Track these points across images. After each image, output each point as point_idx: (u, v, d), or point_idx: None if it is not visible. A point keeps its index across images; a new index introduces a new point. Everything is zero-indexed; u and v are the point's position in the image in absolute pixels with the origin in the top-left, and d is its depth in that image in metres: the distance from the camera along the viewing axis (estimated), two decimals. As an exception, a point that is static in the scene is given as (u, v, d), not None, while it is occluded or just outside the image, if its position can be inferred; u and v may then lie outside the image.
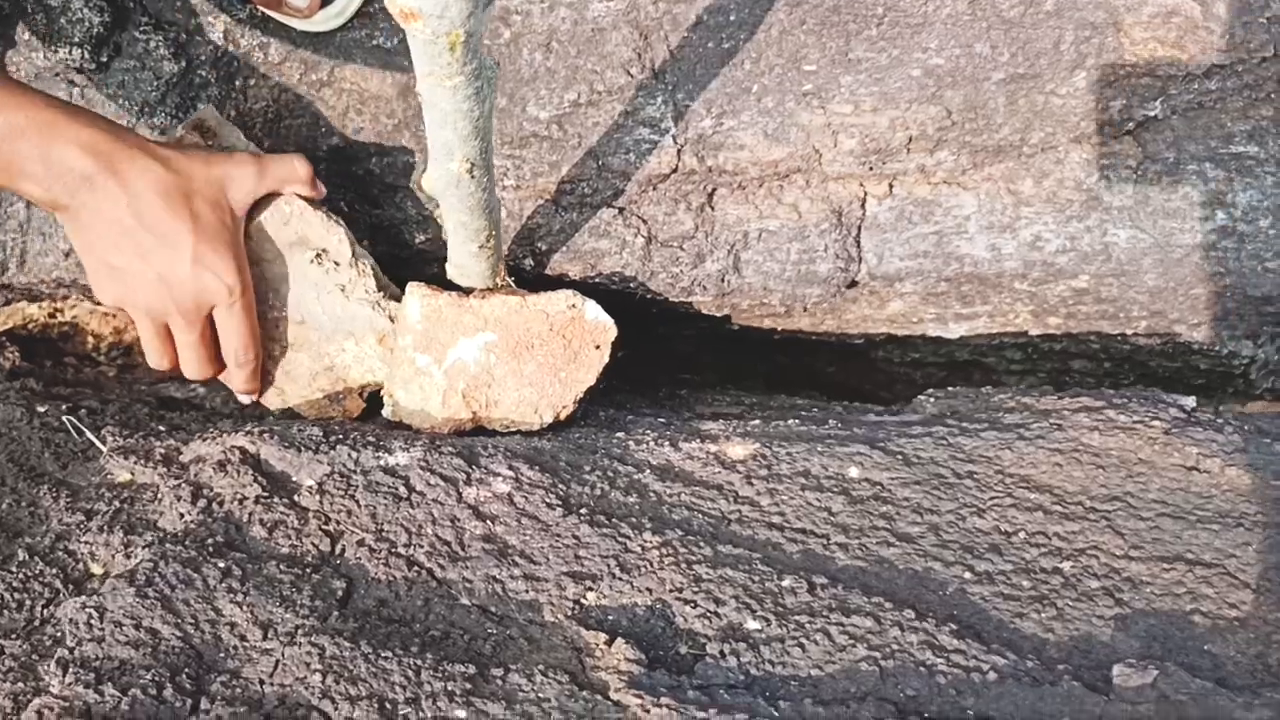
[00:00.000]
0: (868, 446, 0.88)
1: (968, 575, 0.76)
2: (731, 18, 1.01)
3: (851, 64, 1.00)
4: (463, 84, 0.69)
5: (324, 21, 1.04)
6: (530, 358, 0.92)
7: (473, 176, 0.80)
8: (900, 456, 0.87)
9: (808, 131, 1.01)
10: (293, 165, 0.95)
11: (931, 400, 1.01)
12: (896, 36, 0.99)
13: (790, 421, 0.96)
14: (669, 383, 1.34)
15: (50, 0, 1.04)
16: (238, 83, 1.09)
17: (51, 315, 1.46)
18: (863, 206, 1.07)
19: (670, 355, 1.42)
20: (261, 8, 1.04)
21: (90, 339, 1.46)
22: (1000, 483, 0.84)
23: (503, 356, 0.92)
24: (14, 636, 0.71)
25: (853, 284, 1.10)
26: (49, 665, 0.67)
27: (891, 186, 1.06)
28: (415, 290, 0.95)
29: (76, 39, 1.04)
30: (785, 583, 0.74)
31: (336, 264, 0.97)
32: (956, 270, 1.08)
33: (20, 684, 0.67)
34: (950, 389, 1.04)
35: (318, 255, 0.97)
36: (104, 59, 1.05)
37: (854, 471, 0.86)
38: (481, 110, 0.73)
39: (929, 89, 0.99)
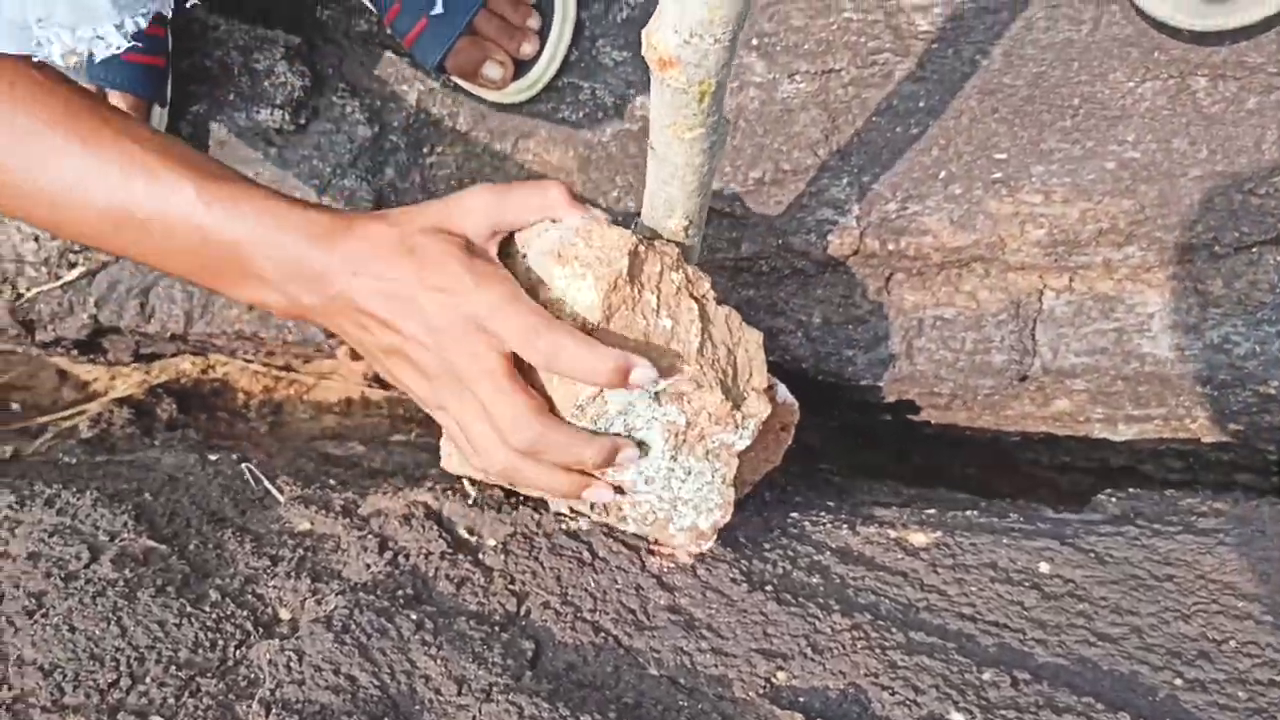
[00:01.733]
0: (1057, 542, 0.85)
1: (1178, 682, 0.72)
2: (921, 104, 1.01)
3: (1044, 154, 0.99)
4: (702, 136, 0.69)
5: (514, 94, 1.07)
6: None
7: (688, 235, 0.80)
8: (1093, 554, 0.84)
9: (995, 220, 1.00)
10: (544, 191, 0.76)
11: (1113, 500, 0.98)
12: (1092, 128, 0.98)
13: (968, 513, 0.93)
14: (818, 473, 1.32)
15: (256, 64, 1.08)
16: (425, 149, 1.12)
17: (204, 371, 1.50)
18: (1040, 299, 1.05)
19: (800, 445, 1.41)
20: (456, 79, 1.07)
21: (240, 395, 1.50)
22: (1203, 588, 0.80)
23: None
24: (210, 675, 0.71)
25: (1023, 378, 1.08)
26: (250, 705, 0.67)
27: (1071, 280, 1.04)
28: None
29: (278, 101, 1.08)
30: (986, 675, 0.71)
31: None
32: (1136, 369, 1.05)
33: (219, 722, 0.67)
34: (1131, 490, 1.00)
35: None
36: (302, 121, 1.09)
37: (1044, 567, 0.83)
38: (710, 166, 0.74)
39: (1123, 182, 0.98)
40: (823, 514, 0.92)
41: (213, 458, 1.10)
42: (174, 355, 1.43)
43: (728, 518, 0.80)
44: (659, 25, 0.64)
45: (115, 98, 1.01)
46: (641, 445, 0.74)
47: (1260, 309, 1.02)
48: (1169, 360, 1.04)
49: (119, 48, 0.66)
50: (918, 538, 0.87)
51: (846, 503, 1.04)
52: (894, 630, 0.76)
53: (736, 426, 0.76)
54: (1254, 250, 1.01)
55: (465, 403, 0.72)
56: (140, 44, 1.00)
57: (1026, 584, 0.81)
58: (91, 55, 0.71)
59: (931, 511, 0.95)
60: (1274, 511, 0.89)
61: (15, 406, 1.46)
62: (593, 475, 0.74)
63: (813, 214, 1.02)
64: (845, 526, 0.89)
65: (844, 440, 1.42)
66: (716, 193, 1.03)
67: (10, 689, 0.70)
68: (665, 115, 0.68)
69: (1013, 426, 1.17)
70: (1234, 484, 1.26)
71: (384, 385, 1.39)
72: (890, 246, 1.02)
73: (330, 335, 1.15)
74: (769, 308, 1.05)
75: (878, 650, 0.73)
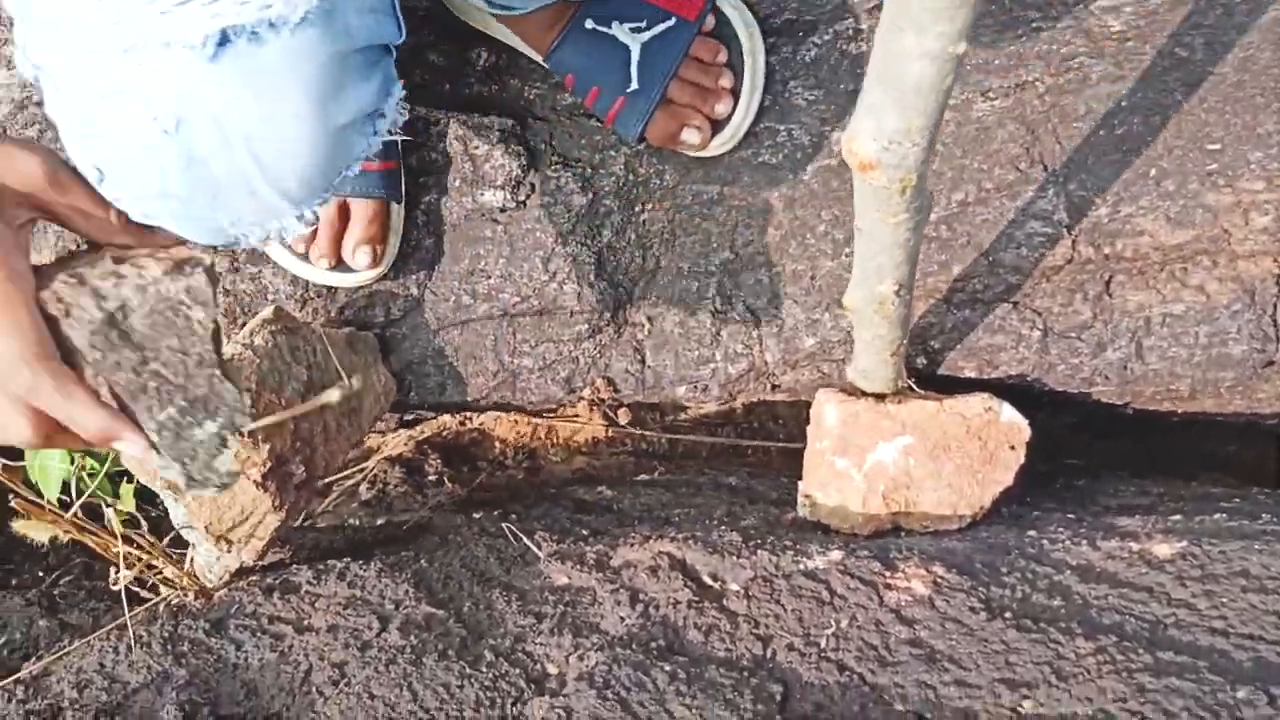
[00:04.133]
0: (1314, 543, 0.83)
1: None
2: (1124, 104, 0.99)
3: (1260, 139, 0.95)
4: (906, 220, 0.73)
5: (715, 149, 1.11)
6: (948, 459, 0.94)
7: (899, 296, 0.83)
8: (1355, 555, 0.81)
9: (1215, 212, 0.97)
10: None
11: (1377, 490, 0.93)
12: (1311, 106, 0.94)
13: (1216, 516, 0.91)
14: (1059, 474, 1.30)
15: (475, 150, 1.17)
16: (637, 208, 1.18)
17: (463, 423, 1.61)
18: (1278, 283, 1.01)
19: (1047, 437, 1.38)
20: (657, 146, 1.12)
21: (498, 444, 1.60)
22: None
23: (921, 459, 0.94)
24: (491, 733, 0.79)
25: (1269, 364, 1.04)
26: (528, 762, 0.74)
27: (1311, 261, 1.00)
28: (830, 396, 0.98)
29: (499, 183, 1.16)
30: (1240, 694, 0.71)
31: None
32: (1391, 345, 0.99)
33: (504, 778, 0.74)
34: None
35: None
36: (523, 198, 1.17)
37: (1301, 571, 0.81)
38: (916, 239, 0.77)
39: (1352, 157, 0.94)
40: (1061, 530, 0.92)
41: (476, 515, 1.20)
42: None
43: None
44: (857, 132, 0.67)
45: (358, 204, 1.12)
46: None
47: None
48: None
49: (303, 230, 0.73)
50: (1162, 549, 0.86)
51: (1088, 511, 1.03)
52: (1140, 651, 0.76)
53: None
54: None
55: None
56: (379, 155, 1.11)
57: (1282, 592, 0.80)
58: None
59: (1177, 518, 0.93)
60: None
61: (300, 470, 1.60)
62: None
63: (1020, 228, 1.02)
64: (1085, 542, 0.89)
65: (1085, 433, 1.39)
66: (921, 219, 1.05)
67: (325, 755, 0.80)
68: (870, 205, 0.72)
69: (1268, 409, 1.12)
70: None
71: (625, 424, 1.46)
72: (1106, 251, 1.01)
73: (570, 390, 1.23)
74: (987, 326, 1.05)
75: (1124, 674, 0.74)
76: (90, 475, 1.31)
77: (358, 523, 1.40)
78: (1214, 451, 1.41)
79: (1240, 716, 0.69)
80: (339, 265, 1.16)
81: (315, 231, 1.16)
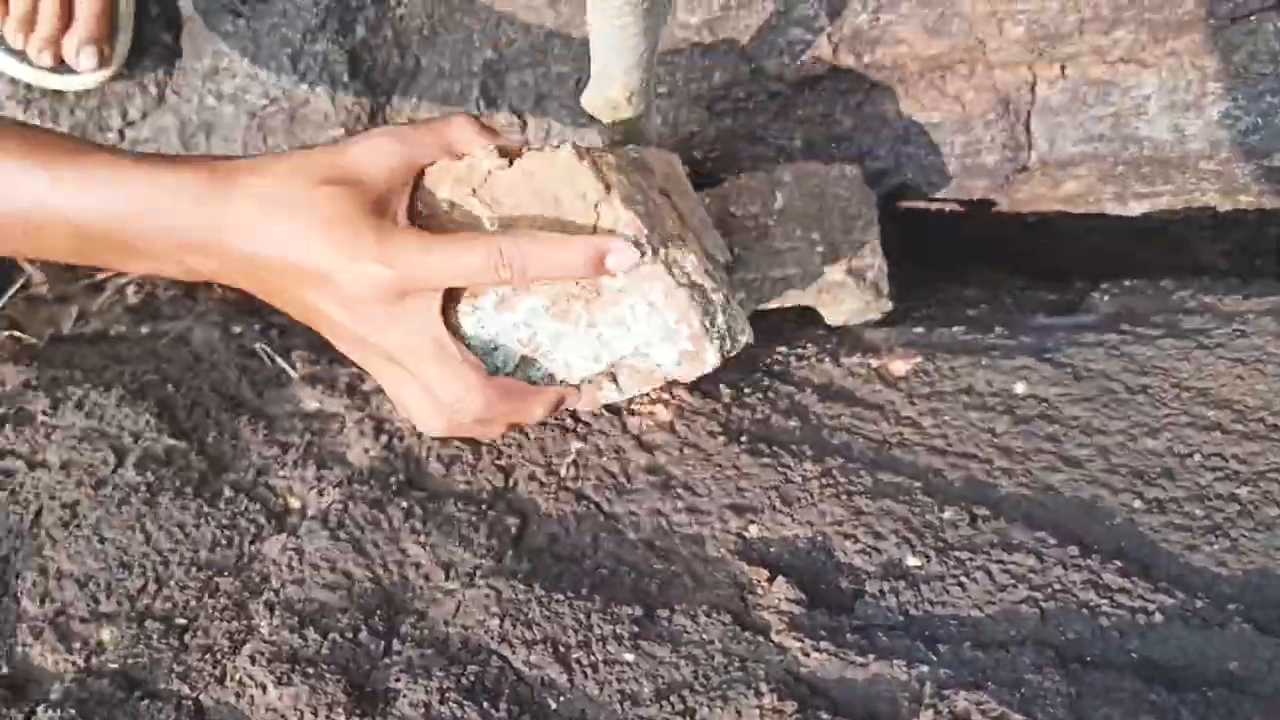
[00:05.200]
0: (1035, 359, 0.86)
1: (1137, 504, 0.74)
2: (887, -97, 0.95)
3: (1017, -54, 0.94)
4: (630, 23, 0.68)
5: (471, -63, 1.04)
6: None
7: (630, 103, 0.79)
8: (1069, 370, 0.85)
9: (970, 21, 0.96)
10: (450, 127, 0.72)
11: (1106, 298, 0.97)
12: (1067, -88, 0.92)
13: (955, 329, 0.94)
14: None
15: (209, -66, 1.06)
16: (392, 2, 1.10)
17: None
18: (1032, 91, 1.02)
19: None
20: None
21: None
22: (1176, 398, 0.81)
23: None
24: (227, 574, 0.78)
25: (1023, 169, 1.06)
26: (258, 606, 0.73)
27: (1064, 69, 1.00)
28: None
29: (239, -28, 1.07)
30: (946, 515, 0.74)
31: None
32: (1135, 153, 1.02)
33: (234, 622, 0.73)
34: (1128, 283, 1.00)
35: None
36: (265, -11, 1.08)
37: (1020, 388, 0.84)
38: (647, 44, 0.73)
39: (1103, -33, 0.93)
40: (809, 345, 0.93)
41: (237, 330, 1.15)
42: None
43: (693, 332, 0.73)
44: None
45: (77, -2, 1.01)
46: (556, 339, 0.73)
47: (1261, 80, 0.97)
48: (1168, 142, 1.01)
49: None
50: (898, 366, 0.89)
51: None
52: (863, 474, 0.78)
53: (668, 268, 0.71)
54: (1251, 19, 0.96)
55: (396, 375, 0.71)
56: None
57: (1000, 408, 0.83)
58: None
59: (920, 329, 0.95)
60: (1261, 304, 0.89)
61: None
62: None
63: (783, 35, 0.99)
64: (829, 359, 0.90)
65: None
66: (683, 23, 1.01)
67: (52, 602, 0.78)
68: (595, 1, 0.68)
69: (1028, 209, 1.15)
70: (1266, 238, 1.23)
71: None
72: (866, 59, 0.99)
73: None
74: (748, 136, 1.03)
75: (844, 497, 0.77)
76: None
77: (120, 333, 1.34)
78: (1004, 247, 1.45)
79: (943, 537, 0.73)
80: (61, 66, 1.05)
81: (32, 25, 1.05)
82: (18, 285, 1.35)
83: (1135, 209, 1.10)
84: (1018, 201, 1.13)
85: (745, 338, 0.76)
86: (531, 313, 0.71)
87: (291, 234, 0.65)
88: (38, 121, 1.13)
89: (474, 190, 0.70)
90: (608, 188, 0.69)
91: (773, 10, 0.99)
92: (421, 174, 0.71)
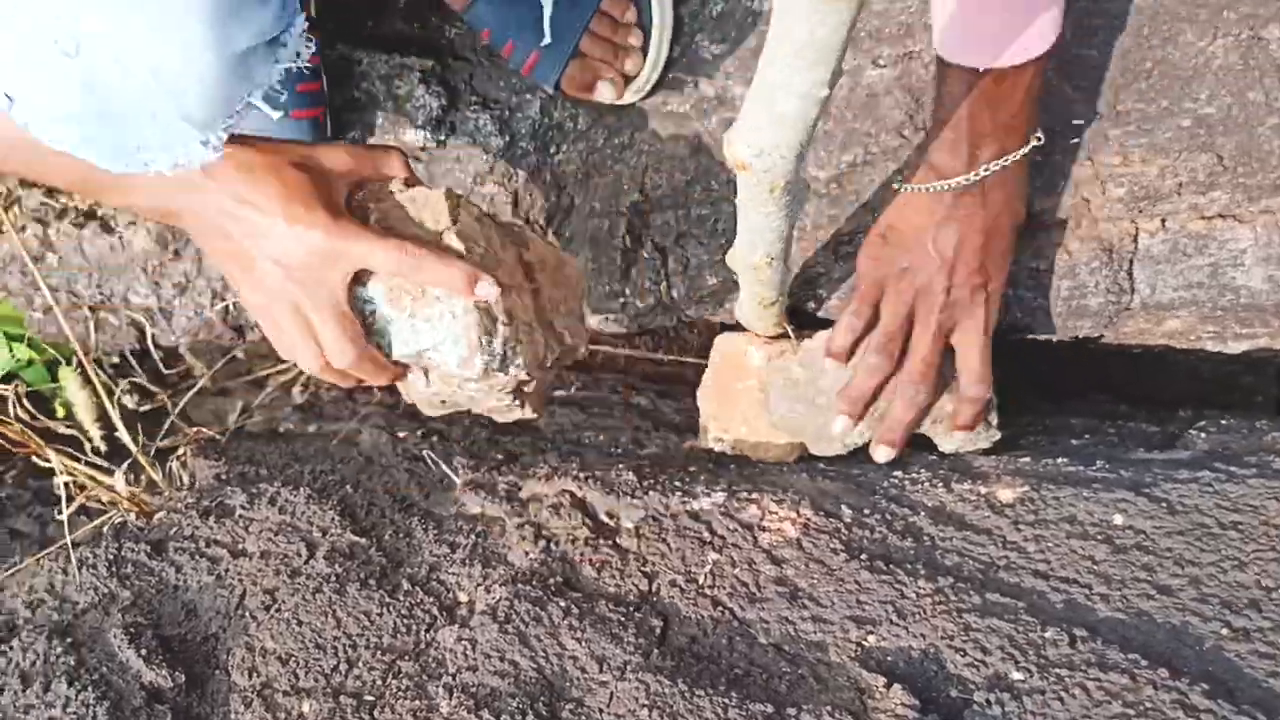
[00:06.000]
0: (1133, 493, 0.94)
1: (1224, 631, 0.82)
2: (1000, 77, 1.06)
3: (1120, 117, 1.04)
4: (775, 212, 0.81)
5: (626, 98, 1.18)
6: None
7: (770, 265, 0.92)
8: (1165, 504, 0.93)
9: (1076, 183, 1.06)
10: (390, 157, 0.93)
11: (1202, 436, 1.05)
12: (1166, 88, 1.02)
13: (1059, 460, 1.03)
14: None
15: (398, 90, 1.22)
16: (552, 149, 1.24)
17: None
18: (1134, 241, 1.11)
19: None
20: (572, 96, 1.19)
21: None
22: (1264, 534, 0.89)
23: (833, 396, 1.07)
24: (407, 658, 0.89)
25: (1125, 310, 1.15)
26: (437, 688, 0.85)
27: (1164, 222, 1.09)
28: (754, 339, 1.11)
29: (420, 122, 1.22)
30: (1048, 634, 0.83)
31: None
32: (1233, 300, 1.10)
33: (417, 701, 0.85)
34: (1224, 421, 1.07)
35: None
36: (442, 137, 1.23)
37: (1119, 519, 0.93)
38: (788, 224, 0.85)
39: (1200, 137, 1.02)
40: (923, 470, 1.03)
41: (401, 435, 1.29)
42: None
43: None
44: (734, 138, 0.76)
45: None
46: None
47: (1352, 239, 1.05)
48: (1263, 291, 1.09)
49: (215, 156, 0.77)
50: (1006, 494, 0.97)
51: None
52: (972, 593, 0.87)
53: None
54: (1341, 185, 1.04)
55: (295, 321, 0.87)
56: (304, 103, 1.16)
57: (1099, 537, 0.91)
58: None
59: (1026, 459, 1.04)
60: (1348, 448, 0.96)
61: (239, 354, 1.66)
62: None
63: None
64: (941, 484, 1.00)
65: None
66: (814, 177, 1.13)
67: (258, 676, 0.90)
68: (745, 193, 0.80)
69: (1133, 341, 1.23)
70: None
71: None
72: (979, 212, 1.10)
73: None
74: (869, 277, 1.14)
75: (955, 614, 0.86)
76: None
77: (291, 427, 1.49)
78: (1094, 367, 1.53)
79: (1045, 654, 0.81)
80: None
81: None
82: (197, 385, 1.51)
83: (1234, 348, 1.17)
84: (1123, 335, 1.21)
85: (517, 371, 0.92)
86: (376, 295, 0.88)
87: (261, 193, 0.82)
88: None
89: (378, 201, 0.91)
90: (454, 222, 0.89)
91: (894, 168, 1.10)
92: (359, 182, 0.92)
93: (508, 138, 1.23)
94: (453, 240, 0.89)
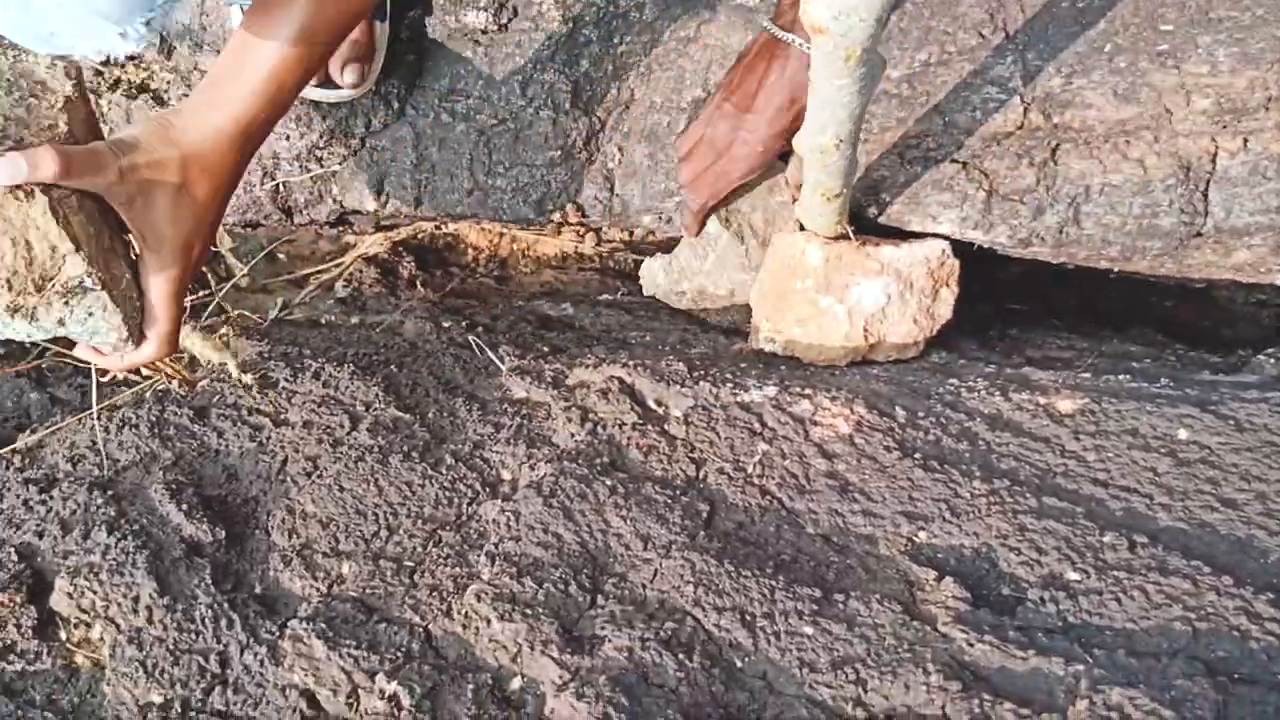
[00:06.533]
0: (1199, 409, 0.92)
1: (1291, 546, 0.79)
2: (1087, -22, 1.03)
3: (1211, 23, 1.00)
4: (849, 85, 0.78)
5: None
6: (912, 297, 1.04)
7: (838, 149, 0.88)
8: (1233, 421, 0.90)
9: (1159, 91, 1.02)
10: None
11: (1272, 361, 1.02)
12: (1262, -4, 0.98)
13: (1121, 377, 1.00)
14: (998, 319, 1.38)
15: (461, -31, 1.19)
16: (615, 40, 1.21)
17: (437, 227, 1.66)
18: (1213, 161, 1.07)
19: (995, 283, 1.46)
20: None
21: (470, 250, 1.66)
22: (1336, 455, 0.86)
23: (894, 297, 1.05)
24: (448, 528, 0.88)
25: (1196, 235, 1.11)
26: (479, 556, 0.84)
27: (1246, 142, 1.05)
28: (813, 239, 1.07)
29: (482, 4, 1.19)
30: (1107, 538, 0.80)
31: None
32: (1311, 227, 1.06)
33: (458, 568, 0.84)
34: (1293, 349, 1.04)
35: None
36: (504, 21, 1.20)
37: (1183, 434, 0.90)
38: (860, 102, 0.82)
39: (1293, 49, 0.98)
40: (980, 380, 1.00)
41: (446, 324, 1.27)
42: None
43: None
44: None
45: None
46: None
47: None
48: (1345, 219, 1.05)
49: (136, 48, 0.76)
50: (1065, 404, 0.95)
51: (1010, 362, 1.11)
52: (1028, 495, 0.85)
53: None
54: None
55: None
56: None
57: (1162, 450, 0.89)
58: None
59: (1087, 375, 1.02)
60: None
61: (281, 256, 1.66)
62: None
63: (977, 92, 1.07)
64: (999, 393, 0.97)
65: (1035, 279, 1.46)
66: (885, 76, 1.09)
67: (298, 537, 0.89)
68: (819, 64, 0.77)
69: (1197, 274, 1.19)
70: None
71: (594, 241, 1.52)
72: (1055, 120, 1.06)
73: (541, 212, 1.28)
74: (936, 183, 1.11)
75: (1010, 514, 0.84)
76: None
77: (333, 319, 1.48)
78: (1154, 304, 1.50)
79: (1103, 558, 0.79)
80: (326, 81, 1.19)
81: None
82: (231, 281, 1.50)
83: (1307, 281, 1.14)
84: (1187, 268, 1.18)
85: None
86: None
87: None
88: (292, 126, 1.28)
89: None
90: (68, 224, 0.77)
91: (970, 70, 1.06)
92: None
93: (571, 24, 1.20)
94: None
